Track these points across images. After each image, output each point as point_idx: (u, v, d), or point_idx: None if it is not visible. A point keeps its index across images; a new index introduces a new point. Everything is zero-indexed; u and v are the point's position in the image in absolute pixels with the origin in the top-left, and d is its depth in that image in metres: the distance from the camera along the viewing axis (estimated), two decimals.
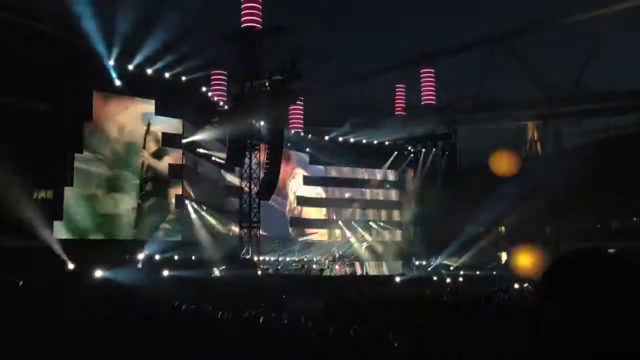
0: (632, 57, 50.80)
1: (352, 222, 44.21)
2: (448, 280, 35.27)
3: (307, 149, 44.09)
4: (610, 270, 1.36)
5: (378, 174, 46.99)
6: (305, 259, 37.90)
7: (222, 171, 36.62)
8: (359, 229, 43.53)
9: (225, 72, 37.46)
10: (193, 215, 33.98)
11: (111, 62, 29.65)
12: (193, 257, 30.18)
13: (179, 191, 32.90)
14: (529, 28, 53.51)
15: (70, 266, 24.16)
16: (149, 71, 31.17)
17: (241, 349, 7.96)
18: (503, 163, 49.57)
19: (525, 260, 37.58)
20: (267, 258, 35.48)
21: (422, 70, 51.50)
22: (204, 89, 35.58)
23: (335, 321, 10.13)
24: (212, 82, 37.13)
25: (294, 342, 8.39)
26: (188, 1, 34.73)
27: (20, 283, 20.14)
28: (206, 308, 14.99)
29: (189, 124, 33.98)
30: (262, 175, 32.67)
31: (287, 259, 37.03)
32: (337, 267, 36.72)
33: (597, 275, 1.36)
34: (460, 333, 8.03)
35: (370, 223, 43.99)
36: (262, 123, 34.86)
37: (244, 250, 32.15)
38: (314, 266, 37.14)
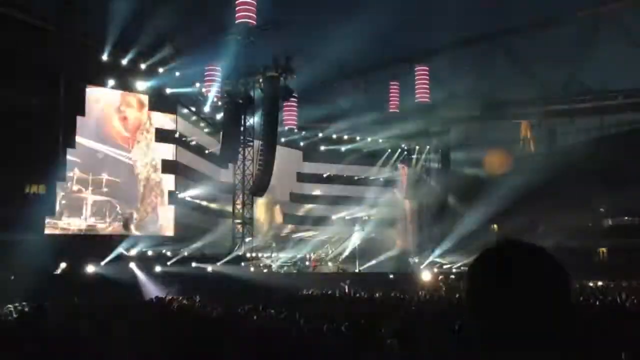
0: (626, 55, 50.89)
1: (346, 219, 44.22)
2: (440, 277, 35.38)
3: (301, 146, 44.10)
4: (527, 263, 1.38)
5: (372, 171, 47.02)
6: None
7: (216, 167, 36.54)
8: (352, 226, 43.53)
9: (219, 68, 37.31)
10: (186, 211, 33.90)
11: (104, 57, 29.52)
12: (186, 253, 30.13)
13: (172, 187, 32.84)
14: (525, 26, 53.59)
15: (62, 262, 24.04)
16: (143, 66, 31.04)
17: (234, 346, 7.93)
18: (496, 161, 49.72)
19: None
20: (260, 255, 35.43)
21: (416, 68, 51.49)
22: (197, 84, 35.47)
23: (327, 318, 10.13)
24: (205, 78, 36.96)
25: (289, 340, 8.39)
26: None
27: (12, 277, 20.10)
28: (199, 304, 14.99)
29: (183, 119, 33.87)
30: (255, 171, 32.61)
31: (281, 255, 37.02)
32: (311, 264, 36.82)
33: (514, 267, 1.37)
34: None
35: (364, 220, 44.00)
36: (256, 119, 34.80)
37: (237, 247, 32.09)
38: (307, 263, 37.13)
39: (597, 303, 15.01)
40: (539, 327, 1.32)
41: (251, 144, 34.02)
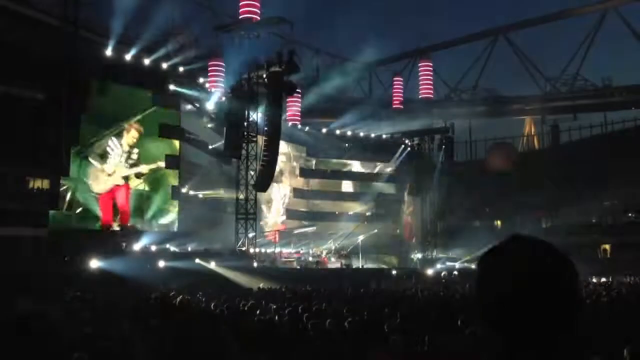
0: (630, 51, 50.76)
1: (349, 215, 44.21)
2: (443, 273, 35.38)
3: (304, 141, 44.06)
4: (537, 259, 1.38)
5: (375, 167, 46.98)
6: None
7: (219, 162, 36.52)
8: (356, 222, 43.52)
9: (223, 63, 37.28)
10: (189, 206, 33.91)
11: (109, 52, 29.49)
12: (189, 249, 30.16)
13: (176, 182, 32.85)
14: (529, 21, 53.45)
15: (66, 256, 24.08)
16: (147, 61, 31.01)
17: (236, 342, 7.95)
18: (499, 157, 49.69)
19: None
20: (264, 250, 35.44)
21: (420, 64, 51.45)
22: (201, 79, 35.46)
23: (331, 314, 10.14)
24: (209, 73, 36.95)
25: (291, 336, 8.40)
26: None
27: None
28: (201, 299, 15.01)
29: (186, 114, 33.82)
30: (259, 167, 32.60)
31: (284, 250, 37.04)
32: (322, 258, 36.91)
33: (523, 264, 1.37)
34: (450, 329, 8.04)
35: (367, 216, 44.01)
36: (259, 114, 34.77)
37: (240, 242, 32.10)
38: (310, 258, 37.14)
39: (600, 299, 15.01)
40: (545, 323, 1.32)
41: (254, 139, 33.99)
